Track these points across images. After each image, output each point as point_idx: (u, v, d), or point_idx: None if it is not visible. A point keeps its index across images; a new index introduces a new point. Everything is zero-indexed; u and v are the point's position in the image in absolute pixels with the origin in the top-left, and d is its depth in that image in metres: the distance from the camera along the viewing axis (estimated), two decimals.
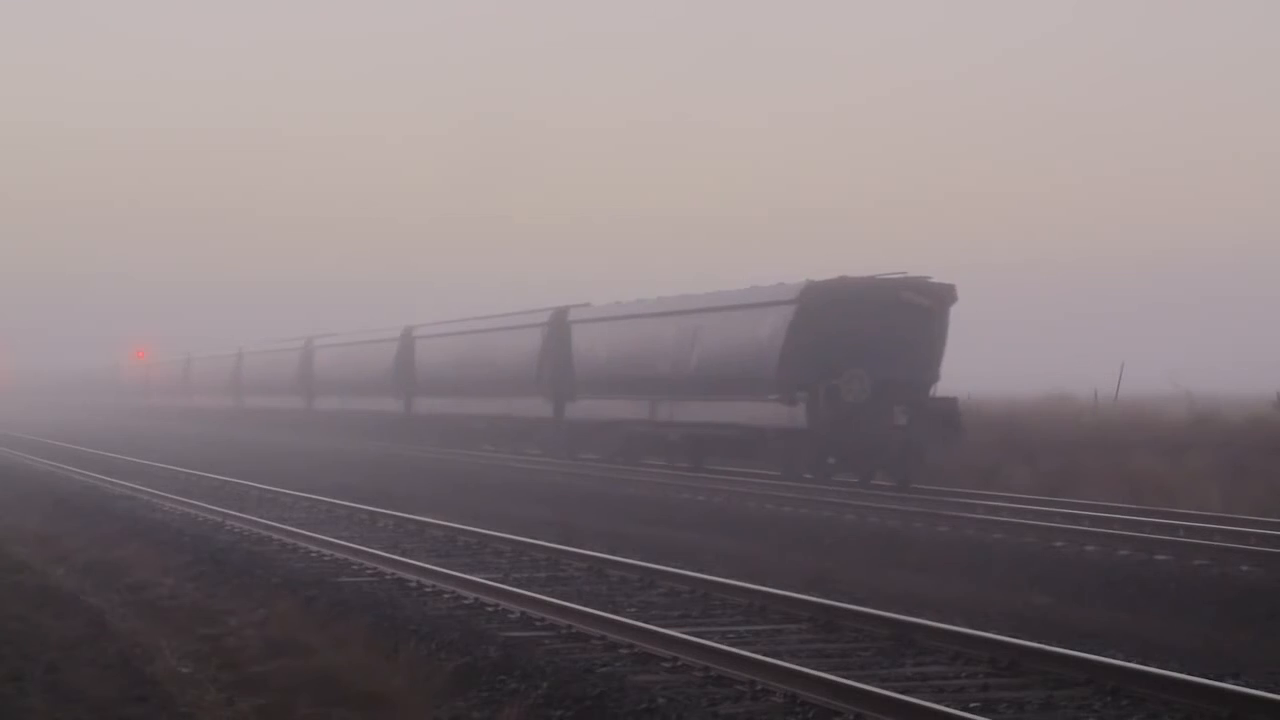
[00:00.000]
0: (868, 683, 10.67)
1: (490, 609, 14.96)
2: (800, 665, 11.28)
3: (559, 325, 39.32)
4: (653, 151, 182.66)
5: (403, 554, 19.17)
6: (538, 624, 13.97)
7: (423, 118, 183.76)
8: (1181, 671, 11.18)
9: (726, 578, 16.03)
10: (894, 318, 29.47)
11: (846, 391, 28.81)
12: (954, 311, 30.27)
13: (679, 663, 11.90)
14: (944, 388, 30.57)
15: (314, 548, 20.37)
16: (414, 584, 16.81)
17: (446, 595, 15.95)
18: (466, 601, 15.47)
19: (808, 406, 29.05)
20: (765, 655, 11.62)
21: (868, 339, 29.16)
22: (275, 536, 21.85)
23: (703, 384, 32.31)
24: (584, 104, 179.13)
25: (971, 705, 10.31)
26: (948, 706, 9.81)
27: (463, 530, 21.58)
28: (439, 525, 22.42)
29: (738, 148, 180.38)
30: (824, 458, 29.94)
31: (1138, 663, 11.47)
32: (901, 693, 10.32)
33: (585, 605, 14.37)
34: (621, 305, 38.13)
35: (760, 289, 31.94)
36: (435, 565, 17.73)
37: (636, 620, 13.50)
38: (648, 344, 34.79)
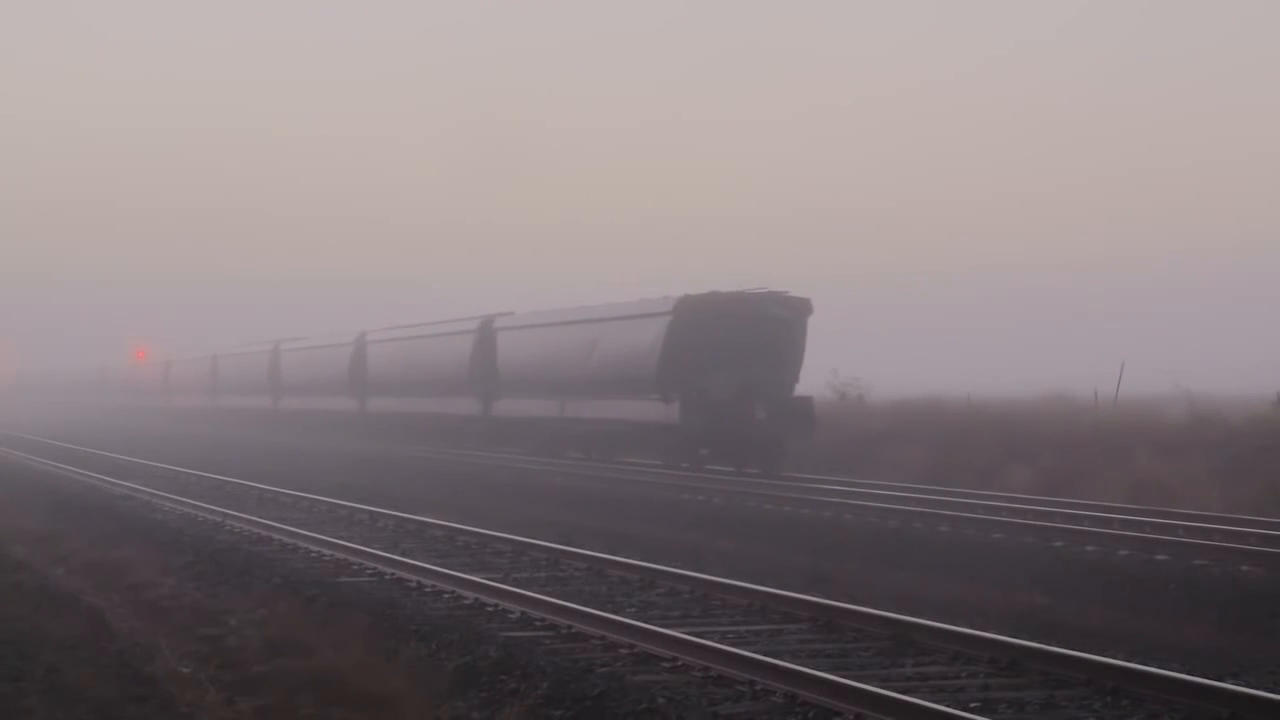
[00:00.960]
0: (868, 683, 10.67)
1: (490, 609, 14.96)
2: (800, 665, 11.28)
3: (487, 332, 43.38)
4: (652, 152, 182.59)
5: (403, 554, 19.18)
6: (538, 624, 13.98)
7: (425, 119, 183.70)
8: (1181, 671, 11.19)
9: (726, 578, 16.04)
10: (757, 327, 33.40)
11: (713, 391, 32.85)
12: (812, 321, 34.33)
13: (679, 663, 11.90)
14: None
15: (314, 548, 20.37)
16: (414, 584, 16.82)
17: (446, 595, 15.96)
18: (466, 601, 15.48)
19: (681, 405, 32.98)
20: (765, 655, 11.63)
21: (734, 345, 33.10)
22: (275, 536, 21.86)
23: (599, 385, 36.26)
24: (585, 105, 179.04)
25: (971, 705, 10.32)
26: (948, 706, 9.82)
27: (462, 530, 21.59)
28: (439, 525, 22.43)
29: (746, 147, 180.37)
30: (696, 449, 33.83)
31: (1138, 663, 11.47)
32: (901, 693, 10.32)
33: (585, 605, 14.38)
34: (537, 314, 42.14)
35: (644, 301, 35.98)
36: (435, 565, 17.74)
37: (636, 620, 13.51)
38: (557, 349, 38.78)
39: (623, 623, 13.30)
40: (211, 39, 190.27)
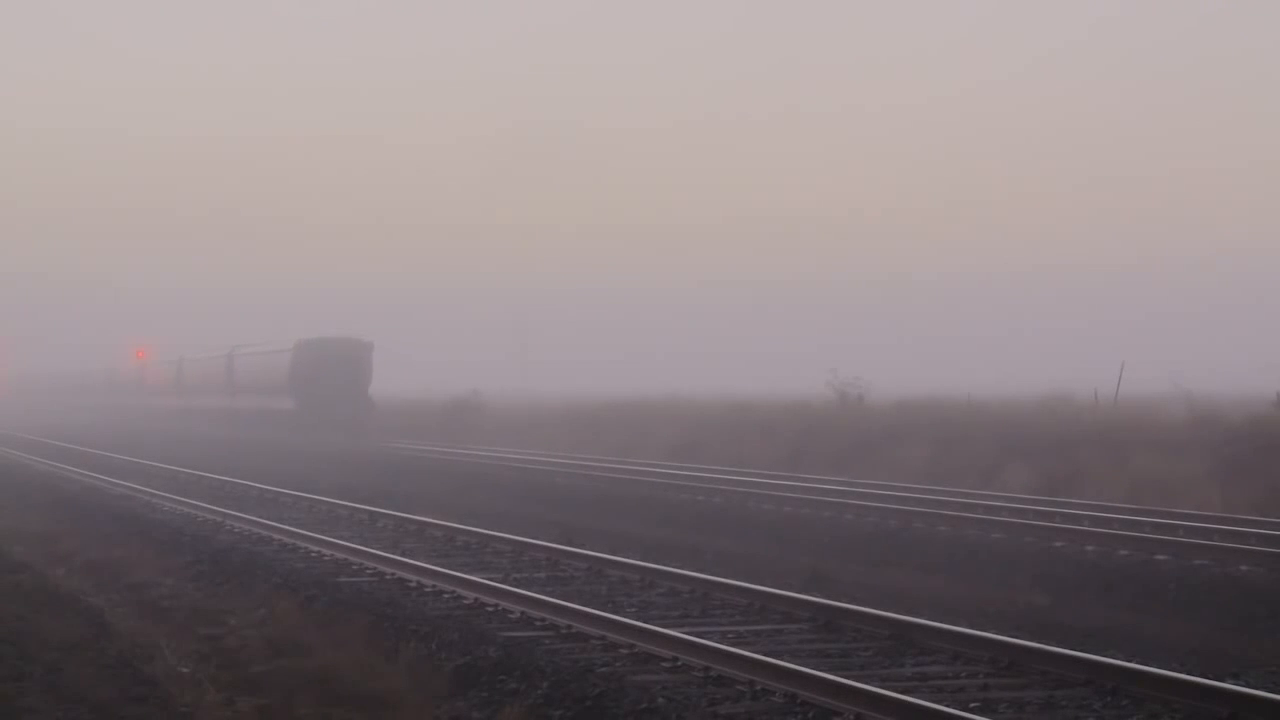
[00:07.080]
0: (868, 683, 10.67)
1: (490, 609, 14.96)
2: (800, 665, 11.28)
3: (231, 356, 69.31)
4: (680, 155, 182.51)
5: (403, 554, 19.17)
6: (538, 624, 13.98)
7: (462, 124, 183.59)
8: (1181, 671, 11.19)
9: (726, 578, 16.03)
10: (340, 357, 59.38)
11: (316, 394, 58.09)
12: (375, 353, 60.67)
13: (679, 663, 11.90)
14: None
15: (314, 548, 20.37)
16: (414, 584, 16.81)
17: (446, 595, 15.96)
18: (466, 601, 15.48)
19: (297, 400, 59.00)
20: (765, 655, 11.62)
21: (328, 366, 58.85)
22: (275, 536, 21.85)
23: (266, 390, 62.58)
24: (614, 109, 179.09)
25: (971, 705, 10.31)
26: (948, 706, 9.82)
27: (462, 530, 21.58)
28: (439, 525, 22.42)
29: (765, 148, 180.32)
30: (310, 425, 56.53)
31: (1138, 663, 11.46)
32: (901, 693, 10.32)
33: (585, 605, 14.38)
34: (249, 345, 68.45)
35: (283, 339, 62.43)
36: (435, 565, 17.73)
37: (636, 620, 13.51)
38: (255, 368, 65.65)
39: (623, 623, 13.29)
40: (239, 51, 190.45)
